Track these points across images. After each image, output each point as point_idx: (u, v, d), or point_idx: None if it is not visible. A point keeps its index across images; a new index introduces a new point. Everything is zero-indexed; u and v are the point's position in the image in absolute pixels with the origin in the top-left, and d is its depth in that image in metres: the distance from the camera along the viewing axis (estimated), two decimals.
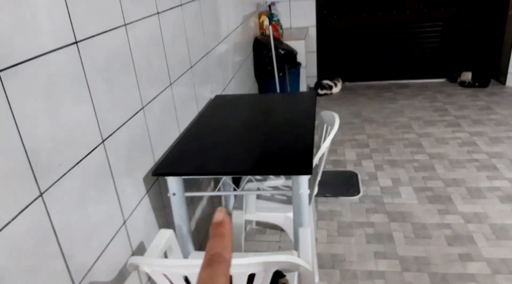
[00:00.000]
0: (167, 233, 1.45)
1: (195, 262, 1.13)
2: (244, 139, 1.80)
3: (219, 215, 0.37)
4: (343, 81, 4.78)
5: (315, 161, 1.70)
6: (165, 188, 1.63)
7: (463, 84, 4.60)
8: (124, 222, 1.43)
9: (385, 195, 2.71)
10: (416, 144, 3.37)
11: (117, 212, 1.39)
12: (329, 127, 1.91)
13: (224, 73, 2.73)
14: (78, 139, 1.18)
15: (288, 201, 1.92)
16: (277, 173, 1.54)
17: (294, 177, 1.52)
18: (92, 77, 1.24)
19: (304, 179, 1.52)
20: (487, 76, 4.53)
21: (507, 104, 4.05)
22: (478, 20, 4.53)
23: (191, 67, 2.11)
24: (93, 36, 1.26)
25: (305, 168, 1.49)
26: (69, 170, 1.13)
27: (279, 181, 1.90)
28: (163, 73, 1.77)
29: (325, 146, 1.72)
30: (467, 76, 4.55)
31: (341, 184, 2.85)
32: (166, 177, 1.54)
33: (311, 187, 1.67)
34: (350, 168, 3.07)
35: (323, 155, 1.75)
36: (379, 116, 3.99)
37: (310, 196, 1.64)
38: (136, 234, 1.50)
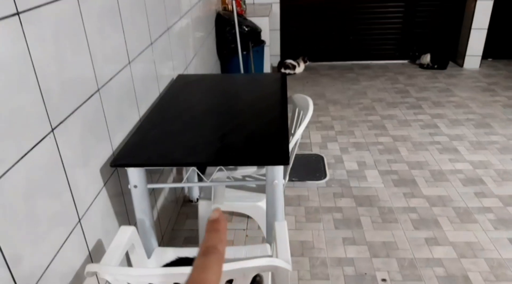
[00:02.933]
0: (129, 230, 1.30)
1: (162, 271, 1.00)
2: (211, 124, 1.66)
3: (215, 214, 0.38)
4: (306, 61, 4.69)
5: (290, 148, 1.59)
6: (124, 179, 1.47)
7: (422, 66, 4.65)
8: (79, 220, 1.26)
9: (351, 178, 2.67)
10: (380, 126, 3.36)
11: (71, 209, 1.22)
12: (301, 112, 1.81)
13: (186, 51, 2.54)
14: (19, 130, 0.99)
15: (258, 188, 1.82)
16: (251, 163, 1.42)
17: (269, 167, 1.40)
18: (36, 58, 1.05)
19: (279, 169, 1.41)
20: (445, 58, 4.59)
21: (465, 86, 4.13)
22: (438, 2, 4.55)
23: (152, 43, 1.92)
24: (38, 6, 1.06)
25: (281, 157, 1.38)
26: (13, 166, 0.95)
27: (251, 169, 1.78)
28: (121, 50, 1.58)
29: (299, 133, 1.62)
30: (426, 58, 4.60)
31: (308, 167, 2.78)
32: (126, 168, 1.38)
33: (284, 175, 1.57)
34: (315, 151, 3.01)
35: (296, 142, 1.65)
36: (343, 98, 3.94)
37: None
38: (93, 232, 1.34)
